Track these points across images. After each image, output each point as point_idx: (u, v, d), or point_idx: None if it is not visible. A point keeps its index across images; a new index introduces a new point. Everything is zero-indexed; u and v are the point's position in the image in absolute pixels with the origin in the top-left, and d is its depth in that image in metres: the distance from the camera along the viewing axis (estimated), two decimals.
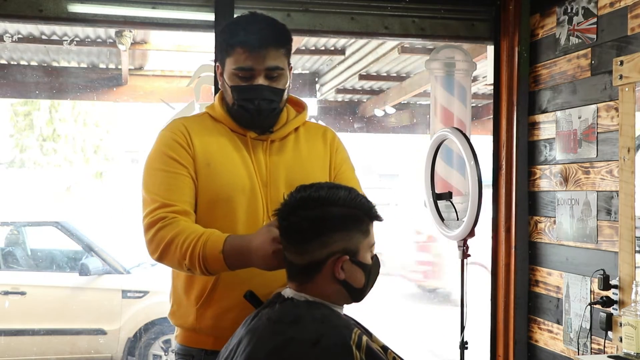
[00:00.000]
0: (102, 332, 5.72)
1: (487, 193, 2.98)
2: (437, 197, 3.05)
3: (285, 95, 1.94)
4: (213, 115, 1.97)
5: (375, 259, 1.66)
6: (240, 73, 1.85)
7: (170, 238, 1.77)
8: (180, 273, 1.91)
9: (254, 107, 1.87)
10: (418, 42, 5.78)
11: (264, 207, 1.88)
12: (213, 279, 1.85)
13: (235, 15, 2.98)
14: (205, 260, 1.73)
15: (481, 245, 3.16)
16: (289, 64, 1.93)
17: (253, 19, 1.91)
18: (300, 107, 2.06)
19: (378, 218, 1.64)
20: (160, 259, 1.82)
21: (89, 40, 5.93)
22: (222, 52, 1.91)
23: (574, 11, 2.87)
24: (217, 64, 1.96)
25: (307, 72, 7.52)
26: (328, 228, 1.58)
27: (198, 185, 1.87)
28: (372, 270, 1.64)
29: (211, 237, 1.75)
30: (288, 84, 1.93)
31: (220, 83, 1.97)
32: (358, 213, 1.60)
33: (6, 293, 5.72)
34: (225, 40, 1.88)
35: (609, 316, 2.59)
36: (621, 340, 2.34)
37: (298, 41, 5.70)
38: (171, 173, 1.85)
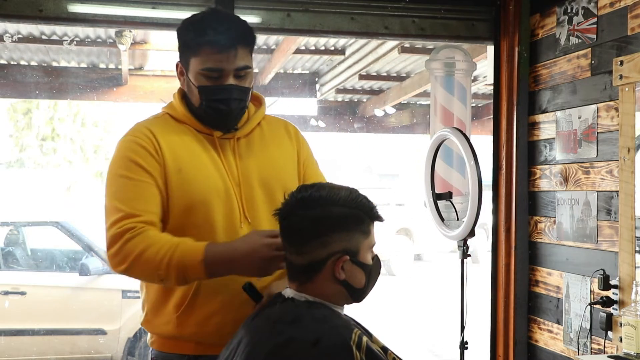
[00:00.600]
0: (102, 332, 5.72)
1: (487, 193, 2.98)
2: (437, 197, 3.05)
3: (250, 94, 1.89)
4: (175, 116, 1.89)
5: (375, 259, 1.66)
6: (208, 73, 1.80)
7: (142, 249, 1.70)
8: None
9: (225, 107, 1.82)
10: (418, 42, 5.78)
11: (239, 207, 1.85)
12: (194, 285, 1.80)
13: None
14: (185, 269, 1.69)
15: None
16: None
17: (217, 16, 1.84)
18: (258, 102, 2.01)
19: (379, 218, 1.64)
20: (128, 270, 1.74)
21: (89, 40, 5.93)
22: (186, 50, 1.84)
23: (574, 11, 2.88)
24: (178, 62, 1.89)
25: (307, 72, 7.52)
26: (328, 228, 1.57)
27: (170, 193, 1.80)
28: (372, 271, 1.64)
29: (188, 246, 1.71)
30: (253, 82, 1.89)
31: (181, 82, 1.90)
32: (359, 213, 1.60)
33: (6, 293, 5.72)
34: (192, 40, 1.82)
35: (609, 316, 2.59)
36: (621, 340, 2.34)
37: (298, 41, 5.70)
38: (136, 181, 1.77)
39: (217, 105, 1.82)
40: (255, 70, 7.12)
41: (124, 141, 1.85)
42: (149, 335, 1.93)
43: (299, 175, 1.99)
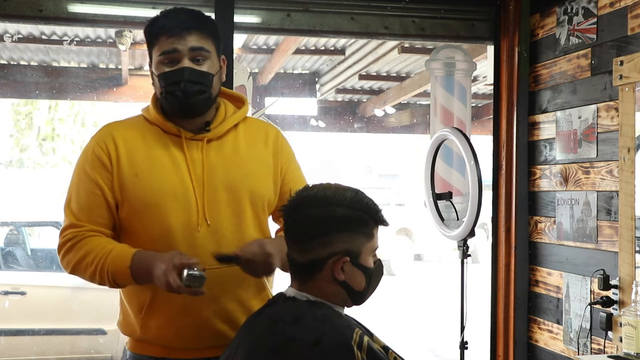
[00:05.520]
0: (102, 332, 5.72)
1: (487, 193, 2.98)
2: (437, 197, 3.05)
3: (214, 82, 1.85)
4: (147, 118, 1.90)
5: (377, 263, 1.65)
6: (165, 59, 1.81)
7: (79, 258, 1.81)
8: None
9: (180, 91, 1.79)
10: (418, 42, 5.79)
11: (198, 210, 1.81)
12: (152, 288, 1.80)
13: (235, 15, 2.99)
14: (115, 275, 1.77)
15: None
16: (218, 53, 1.87)
17: (173, 9, 1.88)
18: (240, 103, 1.97)
19: (383, 222, 1.63)
20: (73, 274, 1.88)
21: (89, 40, 5.94)
22: (149, 46, 1.88)
23: (574, 11, 2.88)
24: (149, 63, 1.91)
25: (307, 72, 7.53)
26: (331, 228, 1.57)
27: (126, 198, 1.82)
28: (373, 275, 1.63)
29: (118, 252, 1.78)
30: (217, 70, 1.85)
31: (153, 82, 1.90)
32: (363, 215, 1.59)
33: (6, 293, 5.71)
34: (149, 33, 1.86)
35: (609, 316, 2.59)
36: (621, 340, 2.34)
37: (298, 41, 5.71)
38: (87, 192, 1.84)
39: (174, 89, 1.80)
40: (255, 70, 7.12)
41: (87, 146, 1.89)
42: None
43: (277, 179, 1.94)
